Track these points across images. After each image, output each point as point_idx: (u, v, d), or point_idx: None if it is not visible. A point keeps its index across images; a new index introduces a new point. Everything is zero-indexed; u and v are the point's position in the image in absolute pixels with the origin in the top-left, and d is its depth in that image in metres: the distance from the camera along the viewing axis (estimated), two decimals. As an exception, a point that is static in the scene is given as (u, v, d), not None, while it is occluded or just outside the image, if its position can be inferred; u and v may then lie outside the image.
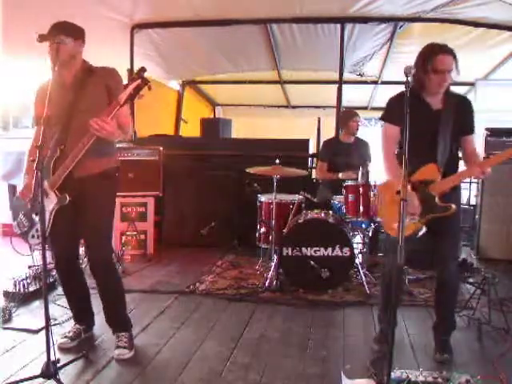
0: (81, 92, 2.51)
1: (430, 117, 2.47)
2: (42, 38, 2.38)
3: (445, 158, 2.49)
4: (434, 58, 2.39)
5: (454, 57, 2.41)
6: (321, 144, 5.21)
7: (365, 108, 8.29)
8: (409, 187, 2.42)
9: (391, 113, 2.59)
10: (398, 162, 2.55)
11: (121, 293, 2.76)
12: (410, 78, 2.19)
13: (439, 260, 2.64)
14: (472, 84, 6.27)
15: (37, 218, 2.58)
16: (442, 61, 2.37)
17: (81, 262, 2.89)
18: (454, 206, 2.43)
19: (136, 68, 2.36)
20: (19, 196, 2.65)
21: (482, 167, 2.39)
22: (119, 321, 2.74)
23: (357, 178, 3.98)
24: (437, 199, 2.44)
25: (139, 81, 2.29)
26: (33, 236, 2.61)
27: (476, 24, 4.82)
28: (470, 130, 2.57)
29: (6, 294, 3.37)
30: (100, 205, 2.59)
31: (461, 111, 2.52)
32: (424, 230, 2.50)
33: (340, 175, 4.42)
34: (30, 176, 2.58)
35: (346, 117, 4.72)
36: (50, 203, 2.49)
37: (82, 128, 2.42)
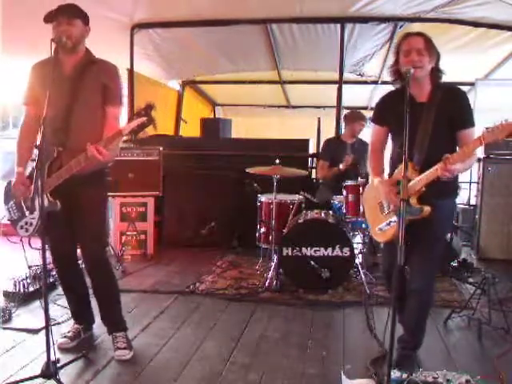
0: (78, 87, 2.47)
1: (411, 110, 2.08)
2: (48, 18, 2.37)
3: (423, 155, 2.26)
4: (400, 44, 2.36)
5: (424, 37, 2.32)
6: (321, 144, 5.21)
7: (365, 108, 8.27)
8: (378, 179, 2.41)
9: (375, 114, 2.58)
10: (392, 163, 2.50)
11: (116, 292, 2.76)
12: (409, 79, 2.20)
13: (410, 272, 2.42)
14: (472, 84, 6.26)
15: (27, 212, 2.56)
16: (407, 42, 2.31)
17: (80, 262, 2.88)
18: (427, 208, 2.21)
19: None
20: (11, 187, 2.61)
21: (446, 164, 2.11)
22: (115, 321, 2.74)
23: (357, 164, 4.00)
24: (413, 200, 2.23)
25: (144, 119, 2.22)
26: (21, 227, 2.59)
27: (476, 24, 4.81)
28: (464, 123, 2.30)
29: (6, 293, 3.37)
30: (90, 205, 2.57)
31: (448, 103, 2.30)
32: None
33: (341, 166, 4.41)
34: (21, 168, 2.57)
35: (354, 118, 4.65)
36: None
37: (80, 131, 2.45)
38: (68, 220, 2.58)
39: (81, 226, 2.59)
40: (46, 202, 2.43)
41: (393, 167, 2.49)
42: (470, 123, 2.31)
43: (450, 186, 2.35)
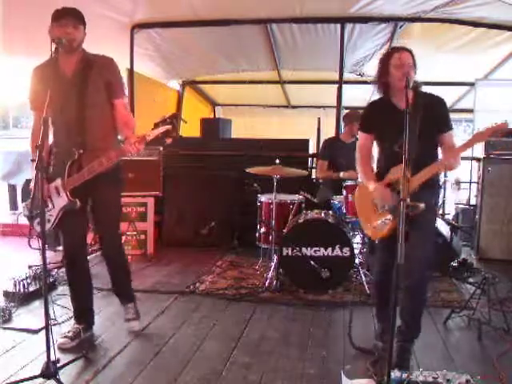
0: (84, 89, 2.56)
1: (395, 117, 2.42)
2: (55, 17, 2.45)
3: (412, 157, 2.34)
4: (391, 56, 2.54)
5: (411, 53, 2.54)
6: (321, 144, 5.21)
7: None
8: (373, 184, 2.58)
9: (362, 123, 2.81)
10: (379, 168, 2.72)
11: (128, 271, 3.02)
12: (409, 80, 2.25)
13: (406, 267, 2.36)
14: (472, 84, 6.26)
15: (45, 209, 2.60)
16: (399, 56, 2.50)
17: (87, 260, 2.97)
18: (421, 205, 2.38)
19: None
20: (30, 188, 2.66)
21: (445, 159, 2.44)
22: (127, 293, 3.02)
23: (357, 178, 3.97)
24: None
25: (170, 127, 2.38)
26: (39, 223, 2.61)
27: (476, 24, 4.81)
28: (445, 127, 2.57)
29: (6, 294, 3.38)
30: (110, 199, 2.75)
31: (430, 109, 2.52)
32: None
33: (341, 174, 4.41)
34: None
35: (353, 118, 4.59)
36: (62, 202, 2.57)
37: (95, 131, 2.58)
38: (83, 214, 2.70)
39: (101, 219, 2.77)
40: (65, 200, 2.57)
41: (382, 169, 2.65)
42: (450, 127, 2.59)
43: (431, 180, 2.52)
